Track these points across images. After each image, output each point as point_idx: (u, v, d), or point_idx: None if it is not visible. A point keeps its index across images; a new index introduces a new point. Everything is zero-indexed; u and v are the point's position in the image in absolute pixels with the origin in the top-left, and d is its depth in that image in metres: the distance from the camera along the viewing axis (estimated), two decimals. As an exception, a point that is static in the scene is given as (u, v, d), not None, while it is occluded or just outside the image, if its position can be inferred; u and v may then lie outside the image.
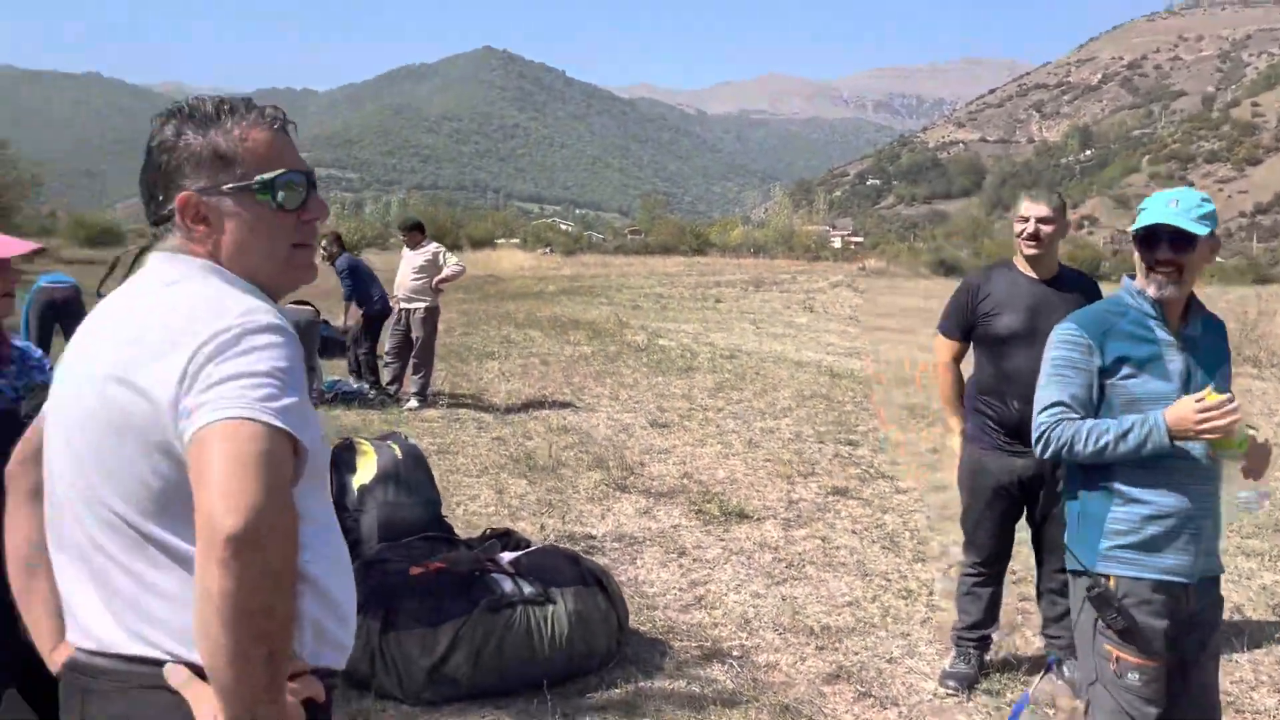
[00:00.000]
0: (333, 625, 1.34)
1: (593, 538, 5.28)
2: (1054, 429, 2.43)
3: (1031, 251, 3.59)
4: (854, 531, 5.51)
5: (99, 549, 1.27)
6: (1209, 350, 2.50)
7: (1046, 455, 2.48)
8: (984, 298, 3.70)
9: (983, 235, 62.43)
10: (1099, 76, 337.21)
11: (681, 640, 3.97)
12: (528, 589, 3.43)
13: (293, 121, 1.44)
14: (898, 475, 6.89)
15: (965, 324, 3.79)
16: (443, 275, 9.02)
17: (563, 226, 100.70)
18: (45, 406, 1.48)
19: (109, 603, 1.26)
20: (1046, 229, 3.56)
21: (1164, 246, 2.37)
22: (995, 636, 3.86)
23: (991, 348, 3.67)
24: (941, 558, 5.11)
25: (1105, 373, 2.43)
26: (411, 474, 4.05)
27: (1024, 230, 3.58)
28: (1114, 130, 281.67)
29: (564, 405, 9.31)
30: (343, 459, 4.08)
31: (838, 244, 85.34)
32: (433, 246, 9.15)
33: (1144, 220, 2.40)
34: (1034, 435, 2.50)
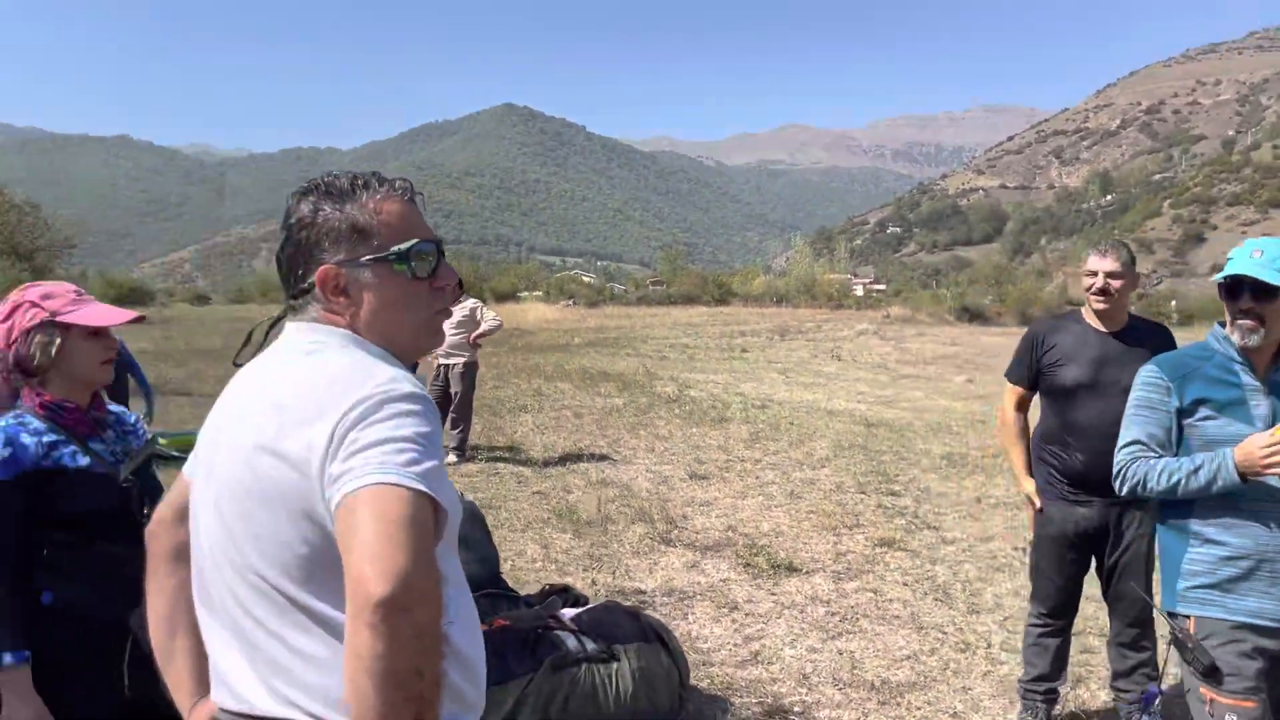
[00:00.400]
0: (468, 687, 1.36)
1: (643, 593, 5.27)
2: (1130, 465, 2.49)
3: (1100, 306, 3.59)
4: (905, 584, 5.46)
5: (247, 613, 1.30)
6: None
7: (1124, 491, 2.53)
8: (1049, 348, 3.71)
9: (1005, 281, 62.03)
10: (1117, 122, 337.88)
11: (742, 696, 3.94)
12: (591, 646, 3.43)
13: (420, 192, 1.49)
14: (942, 525, 6.83)
15: (1030, 372, 3.79)
16: (481, 330, 9.10)
17: (585, 279, 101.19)
18: (187, 470, 1.54)
19: (255, 666, 1.29)
20: (1115, 283, 3.55)
21: (1246, 296, 2.41)
22: (1062, 690, 3.80)
23: (1056, 398, 3.67)
24: (996, 610, 5.05)
25: (1183, 414, 2.47)
26: (469, 530, 4.07)
27: (1092, 285, 3.58)
28: (1134, 175, 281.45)
29: (601, 458, 9.32)
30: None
31: (860, 292, 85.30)
32: (470, 302, 9.24)
33: (1228, 270, 2.44)
34: (1113, 472, 2.54)
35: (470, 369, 9.13)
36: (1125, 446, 2.56)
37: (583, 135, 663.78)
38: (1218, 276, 2.51)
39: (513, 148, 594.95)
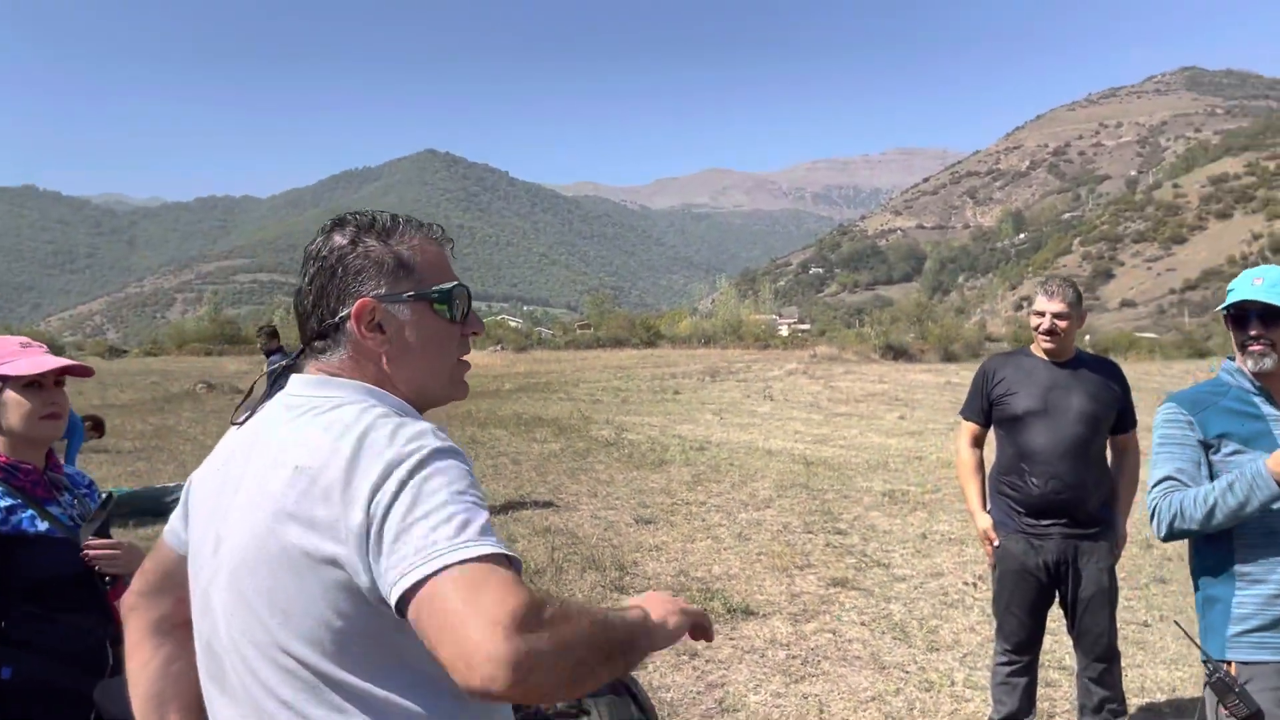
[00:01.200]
0: None
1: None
2: (1163, 501, 2.44)
3: (1049, 346, 3.67)
4: (862, 623, 5.45)
5: (270, 693, 1.20)
6: None
7: (1162, 533, 2.47)
8: (999, 380, 3.78)
9: (927, 319, 63.49)
10: (1027, 163, 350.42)
11: (711, 747, 3.86)
12: (559, 703, 3.32)
13: (451, 239, 1.45)
14: (892, 563, 6.86)
15: (982, 407, 3.85)
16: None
17: (512, 323, 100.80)
18: (170, 538, 1.43)
19: None
20: (1061, 324, 3.64)
21: (1254, 322, 2.44)
22: (1031, 726, 3.80)
23: (1009, 428, 3.73)
24: (955, 646, 5.06)
25: (1209, 448, 2.45)
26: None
27: (1040, 325, 3.66)
28: (1045, 214, 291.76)
29: (544, 505, 9.19)
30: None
31: (785, 332, 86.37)
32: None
33: (1231, 299, 2.47)
34: (1148, 512, 2.50)
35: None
36: (1156, 485, 2.48)
37: (506, 181, 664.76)
38: (1221, 308, 2.54)
39: (435, 194, 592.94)
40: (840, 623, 5.47)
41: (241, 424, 1.37)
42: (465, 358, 1.42)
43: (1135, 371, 33.87)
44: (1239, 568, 2.43)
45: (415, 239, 1.36)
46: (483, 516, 1.12)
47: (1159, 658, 4.98)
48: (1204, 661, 2.45)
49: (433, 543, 1.06)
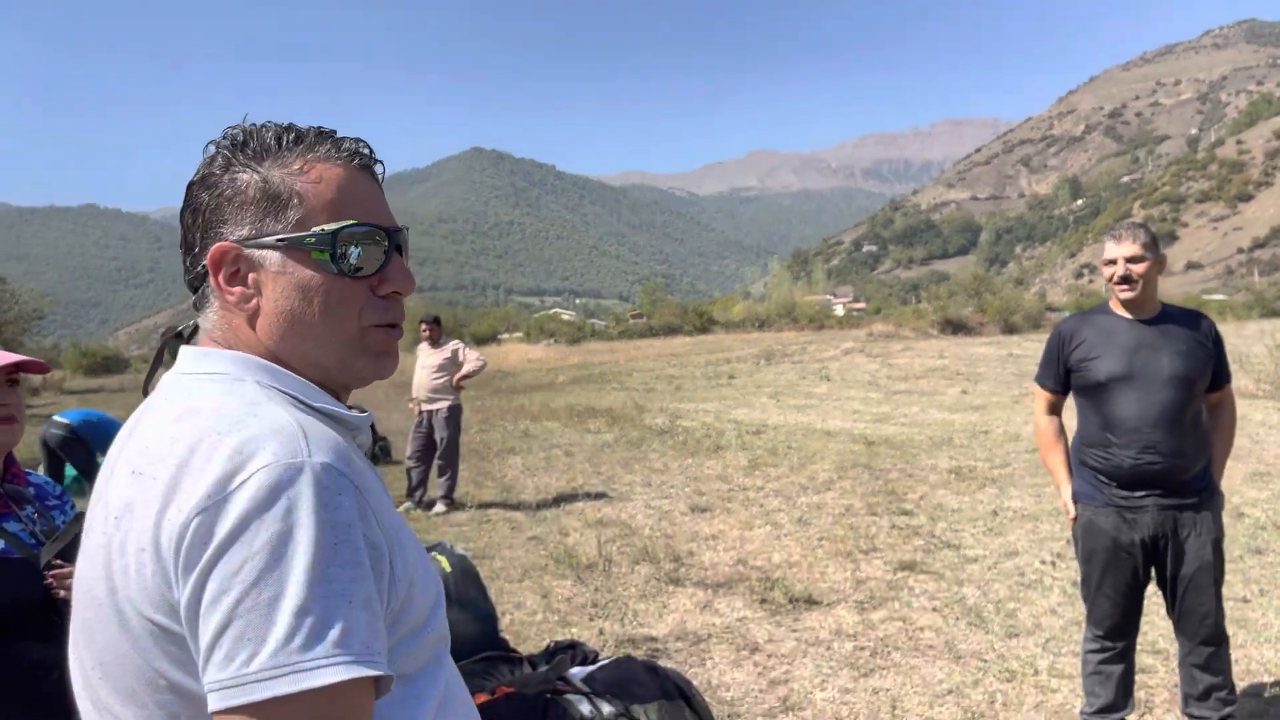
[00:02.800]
0: None
1: (654, 639, 4.89)
2: None
3: (1127, 295, 3.28)
4: (934, 609, 5.11)
5: None
6: None
7: None
8: (1077, 344, 3.40)
9: (985, 291, 62.32)
10: (1082, 127, 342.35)
11: (776, 751, 3.57)
12: (607, 709, 3.06)
13: (380, 160, 1.10)
14: (962, 543, 6.49)
15: (1059, 373, 3.48)
16: (464, 371, 8.75)
17: (565, 316, 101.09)
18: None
19: None
20: (1137, 268, 3.25)
21: None
22: (1130, 719, 3.44)
23: (1091, 396, 3.35)
24: (1036, 631, 4.70)
25: None
26: (463, 588, 3.70)
27: (1113, 274, 3.28)
28: (1103, 179, 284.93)
29: (597, 496, 8.95)
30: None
31: (841, 311, 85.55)
32: (452, 343, 8.89)
33: None
34: None
35: (455, 413, 8.75)
36: None
37: (553, 174, 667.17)
38: None
39: (484, 191, 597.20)
40: (910, 609, 5.13)
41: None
42: (392, 320, 1.05)
43: (1207, 334, 32.86)
44: None
45: (302, 161, 1.01)
46: (337, 605, 0.82)
47: (1263, 636, 4.57)
48: None
49: (250, 657, 0.79)
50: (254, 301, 1.01)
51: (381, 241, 1.03)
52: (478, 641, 3.57)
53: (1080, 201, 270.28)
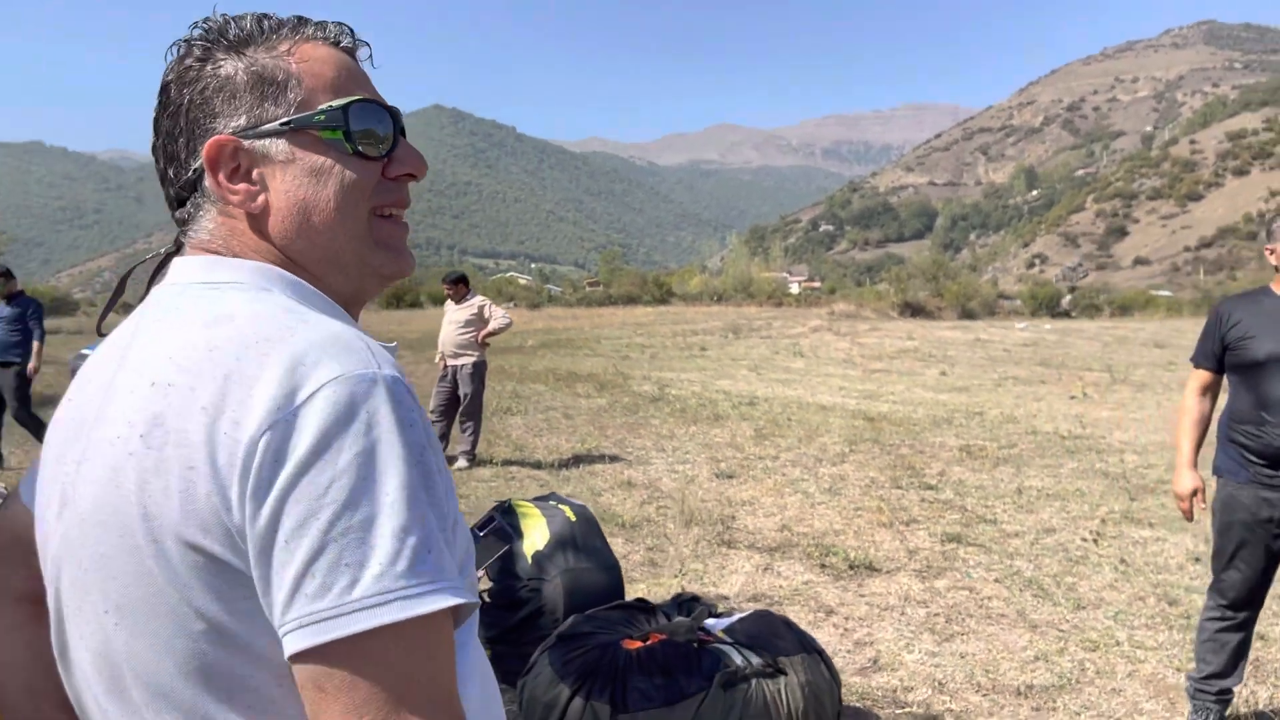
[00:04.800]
0: None
1: (726, 598, 4.97)
2: None
3: None
4: (996, 580, 5.24)
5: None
6: None
7: None
8: (1234, 324, 3.46)
9: (943, 276, 63.14)
10: (1040, 119, 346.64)
11: (885, 708, 3.68)
12: (755, 660, 3.13)
13: (365, 42, 0.99)
14: (998, 519, 6.65)
15: (1214, 352, 3.55)
16: (490, 329, 8.72)
17: (521, 280, 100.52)
18: (21, 489, 1.06)
19: None
20: None
21: None
22: (1236, 689, 3.58)
23: (1246, 375, 3.42)
24: (1102, 605, 4.86)
25: None
26: (588, 538, 3.74)
27: None
28: (1058, 171, 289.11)
29: (613, 459, 9.00)
30: (505, 524, 3.75)
31: (796, 289, 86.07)
32: (478, 300, 8.85)
33: None
34: None
35: (479, 369, 8.73)
36: None
37: (513, 136, 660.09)
38: None
39: (442, 149, 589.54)
40: (971, 580, 5.27)
41: (105, 336, 0.97)
42: (398, 213, 0.97)
43: (1166, 329, 33.60)
44: None
45: (289, 43, 0.92)
46: (429, 534, 0.75)
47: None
48: None
49: (346, 586, 0.71)
50: (261, 198, 0.90)
51: (385, 121, 0.94)
52: (608, 590, 3.62)
53: (1035, 192, 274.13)
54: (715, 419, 11.73)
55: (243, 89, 0.90)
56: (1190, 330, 32.72)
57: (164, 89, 0.93)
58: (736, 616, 3.44)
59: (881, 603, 4.91)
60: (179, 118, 0.91)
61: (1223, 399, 3.52)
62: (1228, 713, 3.54)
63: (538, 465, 8.69)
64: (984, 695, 3.80)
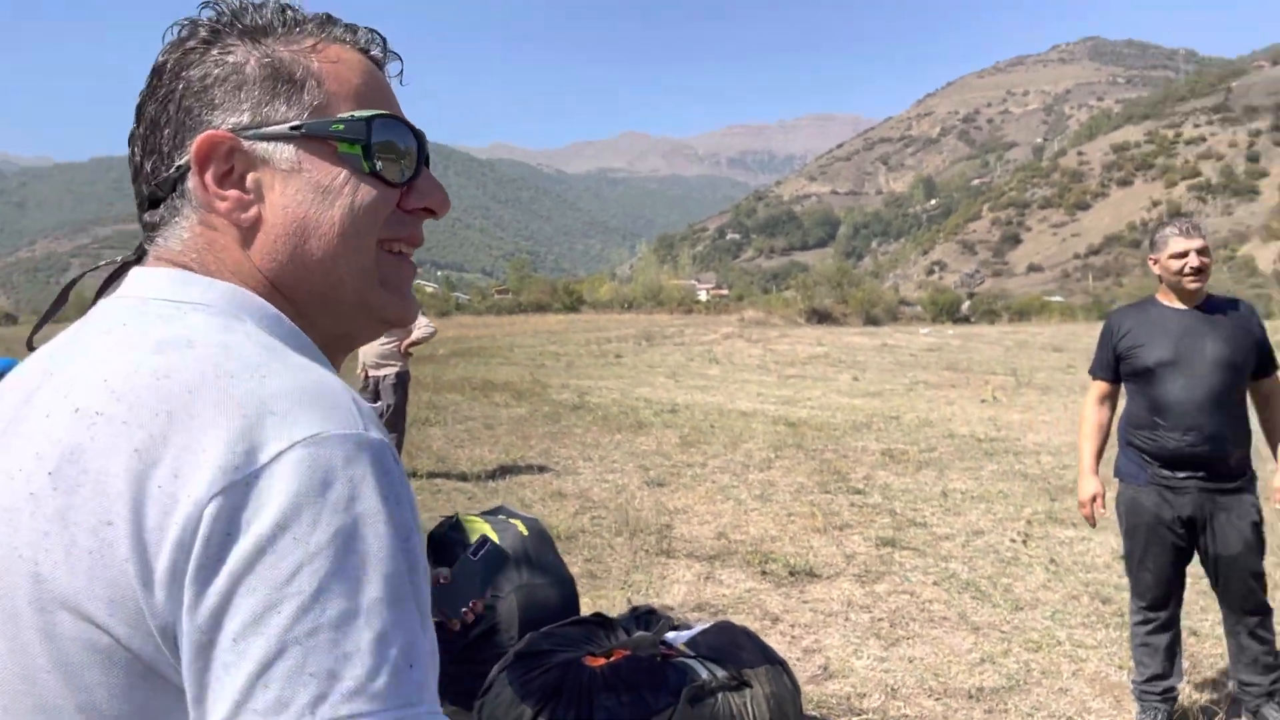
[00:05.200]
0: None
1: (670, 609, 4.92)
2: None
3: (1195, 285, 3.49)
4: (934, 583, 5.31)
5: None
6: None
7: None
8: (1125, 333, 3.60)
9: (847, 283, 64.53)
10: (938, 130, 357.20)
11: (845, 717, 3.67)
12: (720, 673, 3.08)
13: (397, 55, 0.87)
14: (928, 522, 6.75)
15: (1109, 362, 3.68)
16: (413, 338, 8.52)
17: (428, 288, 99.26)
18: None
19: None
20: (1206, 260, 3.48)
21: None
22: (1179, 686, 3.67)
23: (1139, 381, 3.56)
24: (1039, 605, 4.95)
25: None
26: (541, 553, 3.65)
27: (1184, 266, 3.47)
28: (955, 180, 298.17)
29: (540, 469, 8.89)
30: (453, 540, 3.64)
31: (704, 297, 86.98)
32: (400, 308, 8.63)
33: None
34: None
35: (402, 380, 8.52)
36: None
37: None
38: None
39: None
40: (910, 583, 5.32)
41: (36, 348, 0.81)
42: (409, 251, 0.84)
43: (1062, 333, 34.83)
44: None
45: (314, 40, 0.80)
46: (415, 633, 0.61)
47: None
48: None
49: (315, 700, 0.56)
50: (253, 210, 0.76)
51: (411, 144, 0.82)
52: (563, 606, 3.54)
53: (934, 201, 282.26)
54: (639, 427, 11.69)
55: (252, 81, 0.77)
56: (1084, 334, 34.01)
57: (156, 71, 0.79)
58: (698, 628, 3.39)
59: (825, 609, 4.92)
60: (169, 104, 0.77)
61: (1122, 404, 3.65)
62: (1174, 710, 3.63)
63: (463, 477, 8.53)
64: (937, 700, 3.82)
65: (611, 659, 3.07)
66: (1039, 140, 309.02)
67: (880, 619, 4.76)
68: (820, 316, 55.36)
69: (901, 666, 4.16)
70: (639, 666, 3.04)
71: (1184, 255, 3.48)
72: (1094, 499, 3.69)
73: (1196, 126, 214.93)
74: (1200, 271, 3.47)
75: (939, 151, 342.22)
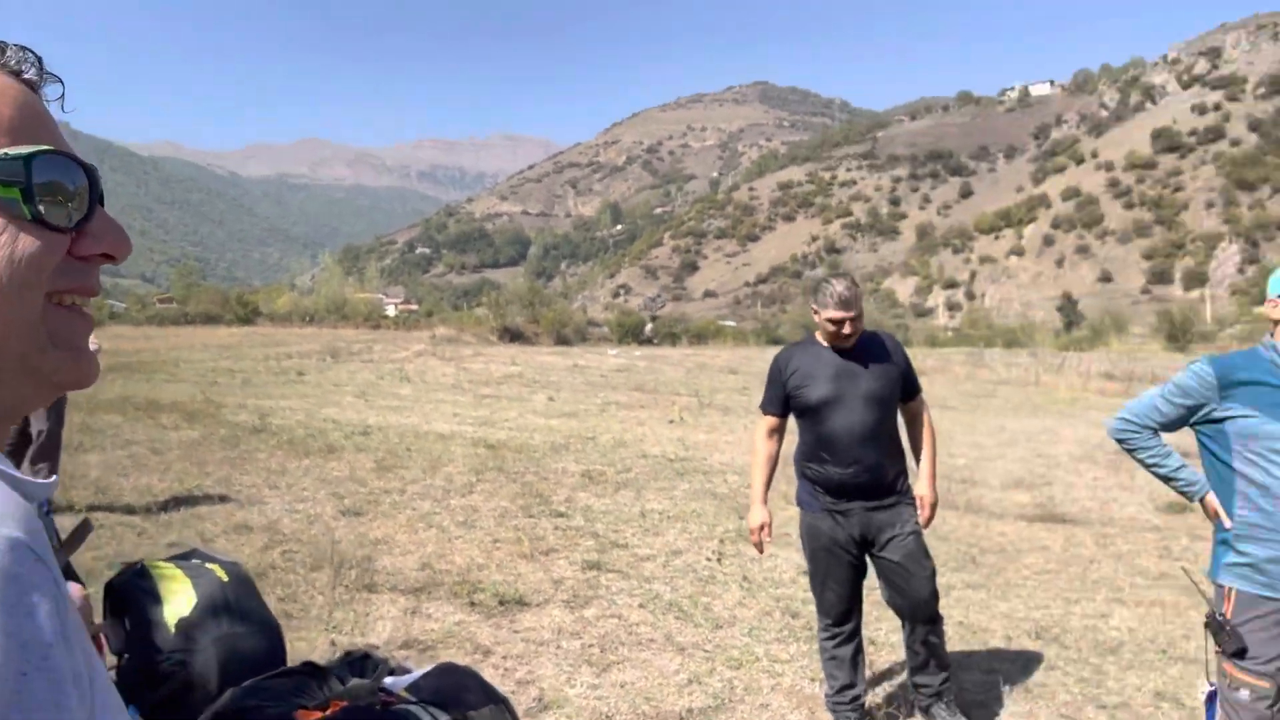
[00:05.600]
0: None
1: (376, 648, 4.69)
2: (1135, 428, 2.95)
3: (848, 343, 3.81)
4: (640, 606, 5.44)
5: None
6: None
7: (1115, 435, 3.01)
8: (793, 372, 3.89)
9: (539, 303, 65.57)
10: (624, 158, 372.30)
11: (561, 749, 3.65)
12: (444, 718, 2.96)
13: (57, 77, 0.76)
14: (629, 543, 6.93)
15: (779, 398, 3.96)
16: (72, 356, 7.60)
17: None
18: None
19: None
20: (858, 324, 3.77)
21: None
22: (866, 694, 3.98)
23: (806, 417, 3.88)
24: (736, 623, 5.21)
25: (1226, 402, 2.82)
26: (243, 599, 3.33)
27: (838, 330, 3.75)
28: (640, 208, 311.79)
29: (221, 499, 8.21)
30: (140, 588, 3.24)
31: (392, 311, 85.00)
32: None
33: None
34: (1119, 418, 3.00)
35: (59, 402, 7.57)
36: (1140, 404, 3.00)
37: (67, 132, 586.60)
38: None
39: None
40: (617, 606, 5.43)
41: None
42: (82, 302, 0.73)
43: (737, 357, 37.24)
44: (1250, 517, 2.85)
45: None
46: None
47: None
48: (1209, 613, 2.83)
49: None
50: None
51: (81, 182, 0.71)
52: (269, 655, 3.26)
53: (620, 226, 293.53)
54: (329, 451, 11.14)
55: None
56: (757, 358, 36.63)
57: None
58: (419, 673, 3.24)
59: (536, 637, 4.90)
60: None
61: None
62: (863, 716, 3.95)
63: (130, 510, 7.70)
64: (650, 724, 3.91)
65: (328, 712, 2.86)
66: (715, 174, 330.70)
67: (591, 645, 4.81)
68: (512, 335, 55.79)
69: (614, 693, 4.22)
70: (359, 718, 2.86)
71: (839, 322, 3.78)
72: (762, 527, 3.96)
73: (849, 170, 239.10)
74: (851, 334, 3.79)
75: (625, 179, 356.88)
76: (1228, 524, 2.82)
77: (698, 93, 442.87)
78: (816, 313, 3.82)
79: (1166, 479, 2.97)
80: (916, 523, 3.90)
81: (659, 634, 5.00)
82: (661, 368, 29.86)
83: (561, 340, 54.54)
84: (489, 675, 4.30)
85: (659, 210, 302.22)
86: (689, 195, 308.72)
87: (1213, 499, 2.86)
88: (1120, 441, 3.03)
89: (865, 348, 3.88)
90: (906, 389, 3.96)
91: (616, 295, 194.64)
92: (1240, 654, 2.77)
